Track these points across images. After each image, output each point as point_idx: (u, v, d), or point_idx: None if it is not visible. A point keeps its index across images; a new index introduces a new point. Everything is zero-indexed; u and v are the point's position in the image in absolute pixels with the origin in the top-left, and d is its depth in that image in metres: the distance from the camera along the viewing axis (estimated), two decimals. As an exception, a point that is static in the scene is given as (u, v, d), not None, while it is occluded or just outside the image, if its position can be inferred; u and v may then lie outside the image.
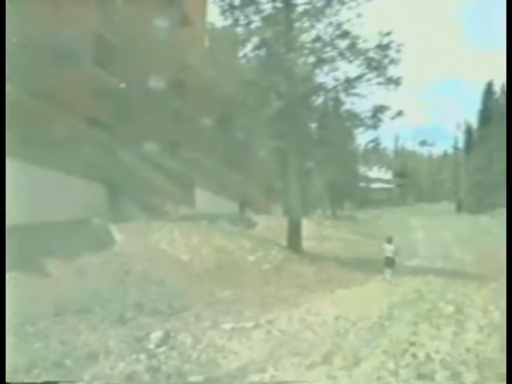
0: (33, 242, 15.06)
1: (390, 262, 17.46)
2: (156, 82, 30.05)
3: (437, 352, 8.36)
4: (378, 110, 22.03)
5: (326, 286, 15.20)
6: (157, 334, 9.09)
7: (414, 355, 8.25)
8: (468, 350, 8.53)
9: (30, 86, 19.13)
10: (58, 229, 16.51)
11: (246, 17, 21.94)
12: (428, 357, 8.18)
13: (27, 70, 19.77)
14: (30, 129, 18.08)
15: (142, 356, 8.19)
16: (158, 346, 8.69)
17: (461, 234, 31.62)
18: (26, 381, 7.49)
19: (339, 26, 21.73)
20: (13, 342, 8.77)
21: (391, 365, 7.86)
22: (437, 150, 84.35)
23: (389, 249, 17.79)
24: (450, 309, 11.40)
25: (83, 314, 10.71)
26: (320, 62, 22.03)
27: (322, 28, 21.87)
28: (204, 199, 27.73)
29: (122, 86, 26.34)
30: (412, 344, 8.76)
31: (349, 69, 22.28)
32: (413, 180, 76.30)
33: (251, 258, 18.41)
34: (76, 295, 12.04)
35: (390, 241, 18.17)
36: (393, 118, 22.28)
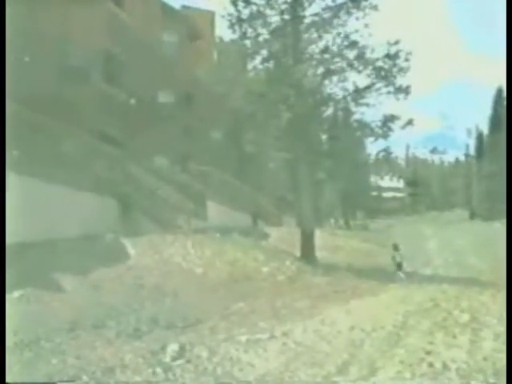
0: (46, 258, 15.14)
1: (401, 266, 20.30)
2: (165, 97, 30.26)
3: (453, 361, 8.32)
4: (388, 120, 22.05)
5: (341, 297, 15.13)
6: (172, 348, 9.09)
7: (430, 364, 8.21)
8: (485, 358, 8.47)
9: (41, 103, 19.31)
10: (70, 245, 16.58)
11: (254, 30, 22.07)
12: (444, 366, 8.14)
13: (38, 87, 19.98)
14: (40, 145, 18.23)
15: (158, 369, 8.20)
16: (174, 359, 8.68)
17: (474, 242, 31.44)
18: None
19: (347, 36, 21.84)
20: (28, 357, 8.83)
21: (408, 374, 7.83)
22: (448, 158, 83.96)
23: (398, 254, 20.53)
24: (466, 317, 11.33)
25: (98, 329, 10.74)
26: (329, 72, 22.12)
27: (330, 39, 22.01)
28: (216, 212, 27.78)
29: (132, 101, 26.50)
30: (428, 353, 8.71)
31: (358, 79, 22.38)
32: (425, 188, 75.98)
33: (265, 269, 18.41)
34: (91, 310, 12.09)
35: (397, 247, 20.92)
36: (403, 126, 22.30)
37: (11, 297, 12.52)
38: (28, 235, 15.75)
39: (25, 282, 13.28)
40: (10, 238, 15.12)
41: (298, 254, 21.74)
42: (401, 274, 19.88)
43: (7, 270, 13.65)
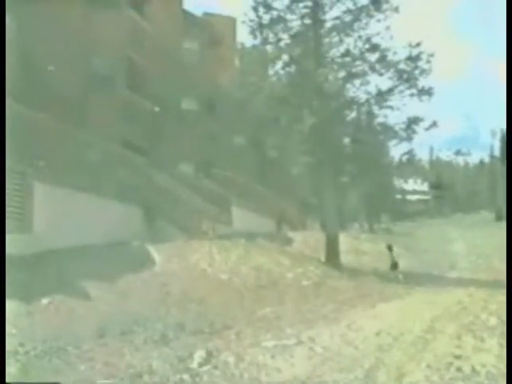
0: (72, 265, 15.28)
1: (396, 265, 20.93)
2: (188, 104, 30.41)
3: (482, 365, 8.23)
4: (412, 122, 21.95)
5: (367, 301, 15.03)
6: (200, 354, 9.12)
7: (458, 369, 8.13)
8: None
9: (65, 112, 19.52)
10: (96, 252, 16.72)
11: (275, 35, 22.13)
12: (473, 370, 8.06)
13: (62, 95, 20.21)
14: (66, 154, 18.42)
15: (186, 376, 8.23)
16: (201, 365, 8.71)
17: (501, 244, 31.00)
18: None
19: (368, 39, 21.80)
20: (57, 364, 8.91)
21: (436, 379, 7.77)
22: (473, 159, 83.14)
23: (395, 254, 21.26)
24: (494, 320, 11.20)
25: (126, 336, 10.81)
26: (351, 76, 22.09)
27: (351, 42, 22.00)
28: (240, 217, 27.83)
29: (156, 108, 26.68)
30: (457, 357, 8.63)
31: (380, 82, 22.32)
32: (449, 190, 75.37)
33: (290, 274, 18.38)
34: (118, 317, 12.18)
35: (391, 248, 21.47)
36: (427, 129, 22.17)
37: (39, 304, 12.68)
38: (55, 243, 15.92)
39: (52, 289, 13.43)
40: (37, 247, 15.40)
41: (322, 258, 21.70)
42: (398, 275, 20.27)
43: (35, 278, 13.88)
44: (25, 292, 12.78)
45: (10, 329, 10.27)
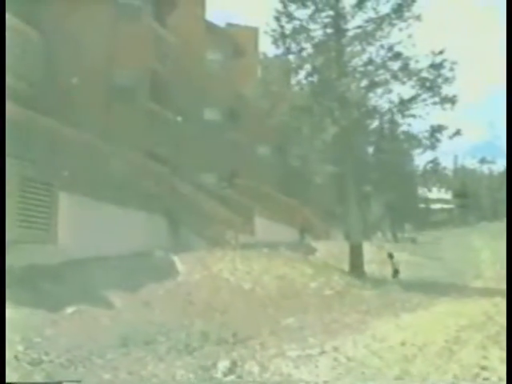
0: (96, 275, 15.37)
1: (397, 273, 21.40)
2: (211, 114, 30.54)
3: (510, 375, 8.11)
4: (436, 130, 21.82)
5: (391, 311, 14.93)
6: (224, 363, 9.11)
7: (485, 379, 8.03)
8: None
9: (89, 122, 19.71)
10: (120, 262, 16.80)
11: (298, 44, 22.17)
12: (501, 380, 7.95)
13: (86, 106, 20.43)
14: (90, 165, 18.57)
15: (210, 385, 8.25)
16: (226, 374, 8.70)
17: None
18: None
19: (390, 48, 21.76)
20: (81, 372, 8.96)
21: (462, 389, 7.70)
22: (497, 167, 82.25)
23: (395, 262, 21.66)
24: (521, 331, 11.03)
25: (149, 345, 10.82)
26: (373, 85, 22.02)
27: (373, 51, 21.96)
28: (263, 227, 27.82)
29: (179, 119, 26.81)
30: (483, 368, 8.52)
31: (402, 90, 22.24)
32: (474, 199, 74.66)
33: (313, 284, 18.32)
34: (141, 326, 12.21)
35: (391, 255, 21.96)
36: (451, 137, 22.02)
37: (64, 313, 12.76)
38: (79, 253, 16.04)
39: (77, 298, 13.52)
40: (62, 256, 15.53)
41: (346, 268, 21.59)
42: (397, 282, 20.28)
43: (60, 287, 14.00)
44: (49, 301, 12.89)
45: (34, 337, 10.38)
